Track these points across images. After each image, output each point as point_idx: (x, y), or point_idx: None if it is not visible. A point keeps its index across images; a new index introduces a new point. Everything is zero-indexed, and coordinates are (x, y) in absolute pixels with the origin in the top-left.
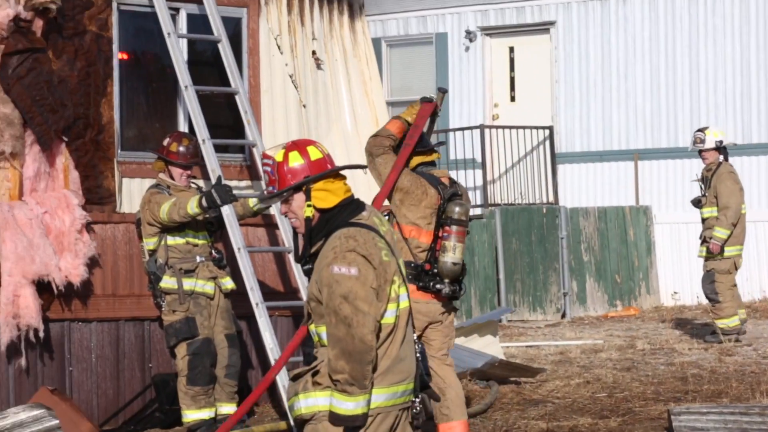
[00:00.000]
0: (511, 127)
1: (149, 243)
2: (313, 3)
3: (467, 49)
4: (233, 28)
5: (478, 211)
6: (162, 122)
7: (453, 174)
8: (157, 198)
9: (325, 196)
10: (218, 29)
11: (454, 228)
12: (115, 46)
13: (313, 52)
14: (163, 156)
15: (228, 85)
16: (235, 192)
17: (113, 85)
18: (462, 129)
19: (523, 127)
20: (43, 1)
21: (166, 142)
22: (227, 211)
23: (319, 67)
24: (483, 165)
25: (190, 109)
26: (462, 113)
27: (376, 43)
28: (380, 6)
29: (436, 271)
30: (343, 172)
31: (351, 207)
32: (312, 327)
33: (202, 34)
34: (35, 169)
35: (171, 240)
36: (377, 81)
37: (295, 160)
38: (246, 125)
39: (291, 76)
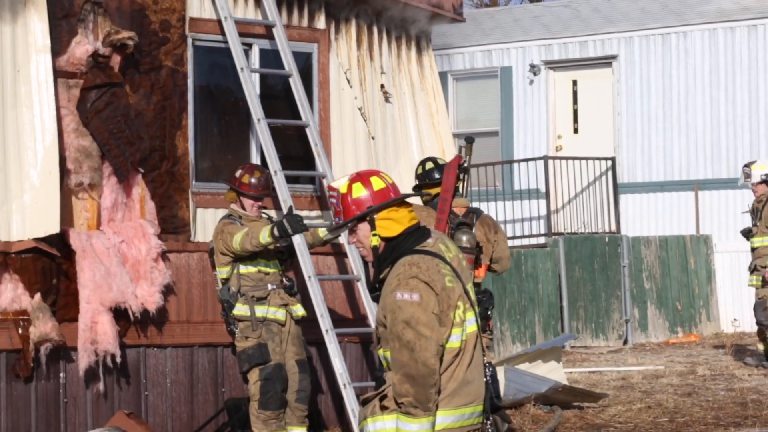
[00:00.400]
0: (574, 158)
1: (222, 272)
2: (381, 38)
3: (531, 82)
4: (304, 62)
5: (542, 240)
6: (235, 154)
7: (517, 204)
8: (229, 228)
9: (389, 224)
10: (289, 64)
11: None
12: (189, 81)
13: (382, 86)
14: (235, 187)
15: (299, 118)
16: (305, 222)
17: (188, 118)
18: (526, 160)
19: (586, 158)
20: (120, 38)
21: (238, 173)
22: (298, 240)
23: (387, 100)
24: (547, 195)
25: (262, 142)
26: (526, 145)
27: (443, 76)
28: (447, 41)
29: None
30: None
31: (416, 234)
32: (380, 351)
33: (274, 68)
34: (112, 199)
35: (243, 269)
36: (444, 113)
37: (359, 191)
38: (316, 157)
39: (360, 109)
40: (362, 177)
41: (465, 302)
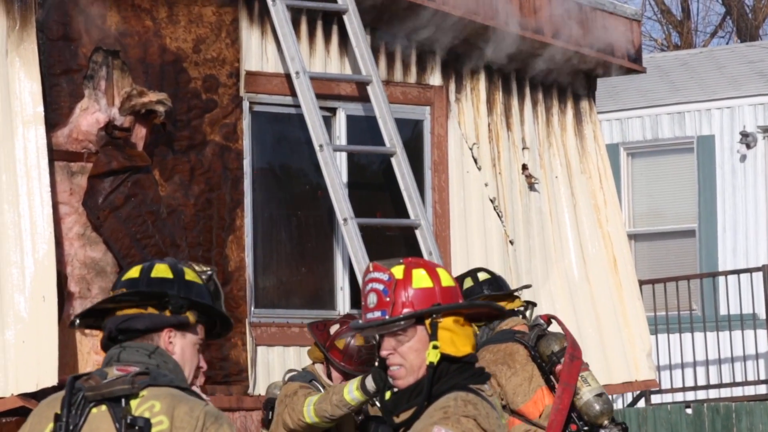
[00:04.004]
0: None
1: None
2: (523, 99)
3: (744, 158)
4: (411, 133)
5: (762, 390)
6: (312, 268)
7: (725, 336)
8: (304, 391)
9: (455, 340)
10: (391, 137)
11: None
12: (246, 162)
13: (524, 167)
14: (323, 348)
15: (405, 214)
16: None
17: (244, 216)
18: (736, 272)
19: None
20: (146, 101)
21: (334, 328)
22: None
23: (532, 187)
24: None
25: (350, 250)
26: (736, 249)
27: (613, 151)
28: (618, 101)
29: (585, 427)
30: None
31: (477, 370)
32: None
33: (367, 144)
34: None
35: None
36: (615, 205)
37: (422, 282)
38: None
39: (492, 201)
40: (425, 265)
41: None
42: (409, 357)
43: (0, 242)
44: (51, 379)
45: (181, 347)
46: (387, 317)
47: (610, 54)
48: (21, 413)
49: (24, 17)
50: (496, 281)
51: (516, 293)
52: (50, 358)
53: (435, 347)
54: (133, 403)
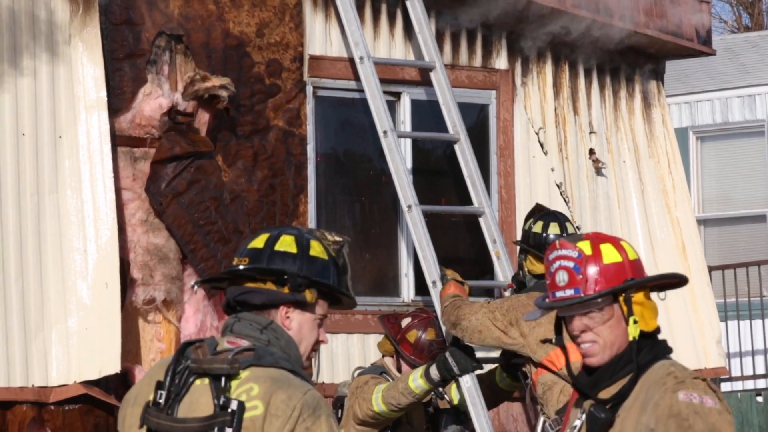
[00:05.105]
0: None
1: None
2: (590, 83)
3: None
4: (476, 118)
5: None
6: (376, 254)
7: None
8: (374, 381)
9: (645, 314)
10: (455, 123)
11: None
12: (310, 147)
13: (592, 152)
14: (393, 340)
15: (468, 201)
16: (478, 355)
17: (308, 202)
18: None
19: None
20: (209, 86)
21: (405, 322)
22: (468, 384)
23: (599, 172)
24: None
25: (415, 237)
26: None
27: (682, 135)
28: (687, 84)
29: None
30: None
31: (664, 342)
32: None
33: (431, 130)
34: (197, 323)
35: None
36: (683, 190)
37: (612, 256)
38: (494, 258)
39: (559, 186)
40: (611, 239)
41: None
42: (603, 333)
43: (63, 228)
44: (114, 367)
45: (299, 323)
46: (582, 295)
47: (679, 36)
48: (84, 401)
49: (87, 1)
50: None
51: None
52: (113, 346)
53: (635, 322)
54: (234, 383)
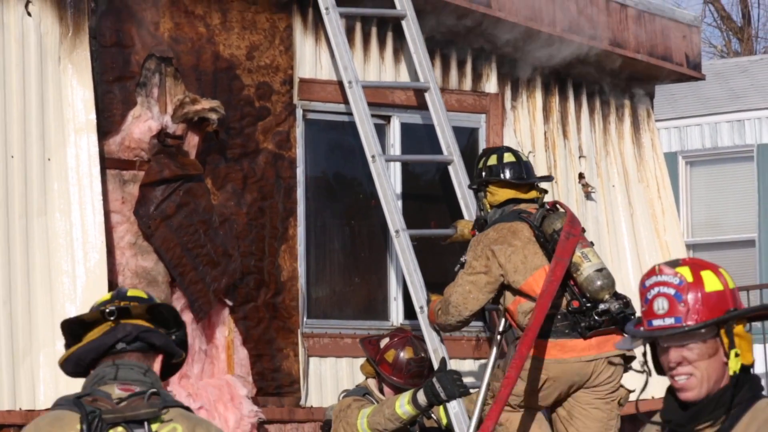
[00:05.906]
0: None
1: None
2: (580, 107)
3: None
4: (466, 141)
5: None
6: (365, 278)
7: None
8: (358, 404)
9: (743, 346)
10: (449, 144)
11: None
12: (299, 171)
13: (581, 176)
14: (373, 362)
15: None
16: (465, 381)
17: (297, 226)
18: None
19: None
20: (198, 110)
21: (384, 342)
22: (456, 409)
23: (588, 196)
24: None
25: (402, 263)
26: None
27: (671, 159)
28: (677, 108)
29: (587, 303)
30: None
31: (759, 378)
32: None
33: (422, 152)
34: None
35: None
36: (672, 215)
37: (713, 285)
38: None
39: None
40: (710, 265)
41: None
42: (701, 366)
43: (51, 251)
44: None
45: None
46: (683, 324)
47: (668, 61)
48: None
49: (77, 24)
50: (519, 166)
51: (536, 183)
52: None
53: (737, 355)
54: (154, 426)
